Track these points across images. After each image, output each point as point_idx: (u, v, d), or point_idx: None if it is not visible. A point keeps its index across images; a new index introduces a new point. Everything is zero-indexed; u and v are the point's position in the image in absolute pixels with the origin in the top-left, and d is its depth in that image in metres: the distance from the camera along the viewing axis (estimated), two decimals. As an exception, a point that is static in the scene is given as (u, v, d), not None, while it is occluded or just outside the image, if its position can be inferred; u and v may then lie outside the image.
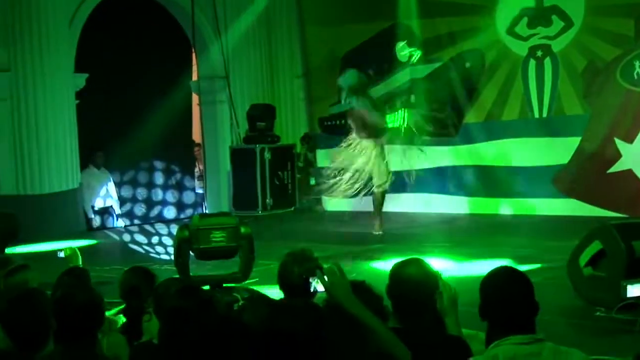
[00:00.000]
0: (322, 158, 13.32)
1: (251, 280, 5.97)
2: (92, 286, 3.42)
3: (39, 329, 3.11)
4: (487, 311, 2.83)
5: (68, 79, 11.39)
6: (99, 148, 12.17)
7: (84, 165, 11.88)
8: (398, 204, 12.43)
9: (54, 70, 11.11)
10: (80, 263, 5.13)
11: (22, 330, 3.12)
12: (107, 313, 3.70)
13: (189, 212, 13.39)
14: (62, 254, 5.23)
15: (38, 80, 11.01)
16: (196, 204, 13.63)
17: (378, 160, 10.00)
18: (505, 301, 2.80)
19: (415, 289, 2.97)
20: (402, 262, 3.07)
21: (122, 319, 4.10)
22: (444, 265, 7.31)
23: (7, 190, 10.93)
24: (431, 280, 3.02)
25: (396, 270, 3.03)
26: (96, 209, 12.17)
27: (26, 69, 10.97)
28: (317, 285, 2.92)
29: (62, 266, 5.13)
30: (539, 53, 11.40)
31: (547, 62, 11.35)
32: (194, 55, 13.22)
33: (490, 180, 11.73)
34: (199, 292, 3.07)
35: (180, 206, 13.57)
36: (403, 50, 12.37)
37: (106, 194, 12.29)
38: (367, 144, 10.03)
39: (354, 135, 10.19)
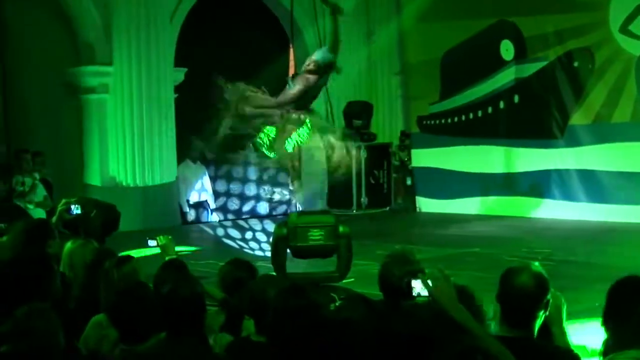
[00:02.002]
0: (419, 158, 13.26)
1: (347, 280, 5.98)
2: (195, 279, 3.49)
3: (145, 321, 3.22)
4: (610, 320, 2.75)
5: (168, 73, 11.71)
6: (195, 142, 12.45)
7: (180, 159, 12.19)
8: (497, 207, 12.26)
9: (154, 64, 11.46)
10: (175, 253, 5.12)
11: (129, 322, 3.23)
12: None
13: (281, 208, 13.55)
14: (153, 243, 5.14)
15: (139, 74, 11.37)
16: (290, 201, 13.78)
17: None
18: (633, 313, 2.72)
19: (527, 298, 2.92)
20: (514, 268, 3.03)
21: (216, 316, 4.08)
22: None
23: (106, 182, 11.33)
24: (544, 288, 2.97)
25: (508, 277, 2.98)
26: (191, 202, 12.45)
27: (128, 63, 11.35)
28: (421, 290, 2.92)
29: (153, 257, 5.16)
30: (655, 52, 11.02)
31: (664, 62, 10.95)
32: (291, 50, 13.34)
33: (597, 186, 11.41)
34: (307, 292, 3.11)
35: (273, 202, 13.74)
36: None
37: (201, 188, 12.57)
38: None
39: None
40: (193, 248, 9.41)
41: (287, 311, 2.86)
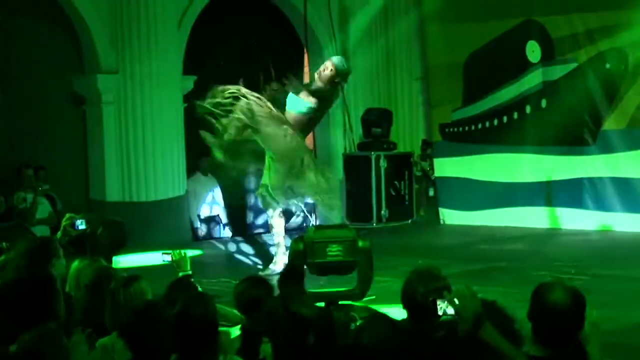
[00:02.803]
0: (441, 167, 13.23)
1: (368, 298, 5.97)
2: (208, 297, 3.50)
3: (162, 341, 3.23)
4: None
5: (176, 81, 11.74)
6: (206, 153, 12.47)
7: (190, 172, 12.21)
8: (525, 218, 12.19)
9: (162, 72, 11.48)
10: (189, 269, 5.17)
11: (146, 342, 3.24)
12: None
13: (297, 222, 13.53)
14: (167, 258, 5.23)
15: (146, 83, 11.40)
16: (305, 214, 13.75)
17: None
18: None
19: (561, 317, 2.91)
20: (547, 285, 3.02)
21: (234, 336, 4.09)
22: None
23: (112, 197, 11.36)
24: (579, 307, 2.96)
25: (541, 294, 2.97)
26: (202, 217, 12.47)
27: (134, 71, 11.38)
28: (447, 309, 2.92)
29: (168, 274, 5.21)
30: (692, 53, 10.96)
31: (702, 62, 10.88)
32: (306, 56, 13.37)
33: (633, 195, 11.33)
34: (315, 309, 3.10)
35: (288, 215, 13.72)
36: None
37: (213, 202, 12.58)
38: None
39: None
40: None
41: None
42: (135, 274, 4.29)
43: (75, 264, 5.44)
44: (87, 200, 11.55)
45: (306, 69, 13.60)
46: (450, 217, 13.10)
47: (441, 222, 13.17)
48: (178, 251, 5.22)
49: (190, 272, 5.15)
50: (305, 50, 13.25)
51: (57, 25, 11.63)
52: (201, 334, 3.15)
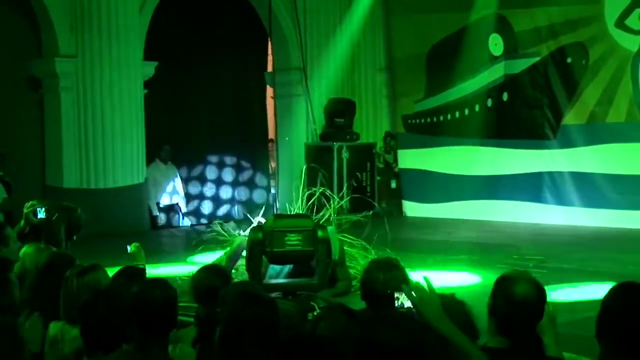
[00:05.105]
0: (404, 159, 13.26)
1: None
2: (166, 281, 3.46)
3: (117, 327, 3.18)
4: (603, 331, 2.72)
5: (137, 67, 11.58)
6: (166, 141, 12.36)
7: (150, 159, 12.08)
8: (486, 211, 12.27)
9: (123, 57, 11.32)
10: (143, 261, 5.23)
11: (101, 328, 3.20)
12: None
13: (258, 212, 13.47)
14: (129, 249, 5.40)
15: (105, 68, 11.23)
16: (268, 204, 13.69)
17: None
18: (626, 321, 2.68)
19: (524, 309, 2.91)
20: (510, 277, 3.01)
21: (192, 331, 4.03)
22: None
23: (69, 184, 11.20)
24: (542, 298, 2.96)
25: (503, 286, 2.96)
26: (161, 206, 12.36)
27: (93, 56, 11.21)
28: (405, 302, 2.90)
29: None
30: (652, 49, 11.07)
31: (661, 59, 11.01)
32: (269, 44, 13.29)
33: (591, 189, 11.45)
34: (259, 299, 3.08)
35: (250, 205, 13.66)
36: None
37: (172, 191, 12.48)
38: None
39: None
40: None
41: (235, 319, 2.84)
42: (94, 264, 4.22)
43: (24, 249, 5.38)
44: (43, 187, 11.37)
45: (269, 57, 13.54)
46: (413, 209, 13.14)
47: (403, 214, 13.20)
48: (135, 244, 5.36)
49: (143, 265, 5.21)
50: (268, 38, 13.17)
51: (15, 7, 11.40)
52: (160, 317, 3.12)
